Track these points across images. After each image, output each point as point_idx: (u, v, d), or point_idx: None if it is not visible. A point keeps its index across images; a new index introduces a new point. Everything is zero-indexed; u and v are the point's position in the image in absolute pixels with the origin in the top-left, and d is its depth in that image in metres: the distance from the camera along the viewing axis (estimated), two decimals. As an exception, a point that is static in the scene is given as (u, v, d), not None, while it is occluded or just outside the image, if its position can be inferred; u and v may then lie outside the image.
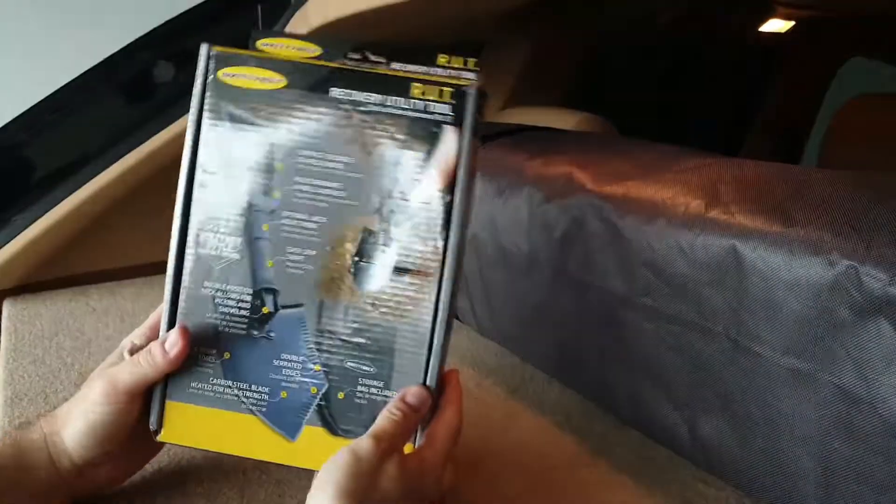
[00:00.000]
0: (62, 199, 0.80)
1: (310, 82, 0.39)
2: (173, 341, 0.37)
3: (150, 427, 0.39)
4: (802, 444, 0.38)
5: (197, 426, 0.39)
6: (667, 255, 0.44)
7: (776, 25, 1.33)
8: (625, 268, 0.47)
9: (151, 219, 0.87)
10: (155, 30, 0.83)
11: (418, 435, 0.38)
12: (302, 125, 0.38)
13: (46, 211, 0.80)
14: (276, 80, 0.39)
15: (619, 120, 0.97)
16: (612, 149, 0.58)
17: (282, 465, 0.39)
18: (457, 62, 0.39)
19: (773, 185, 0.42)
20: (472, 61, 0.39)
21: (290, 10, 0.81)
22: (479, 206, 0.61)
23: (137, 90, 0.82)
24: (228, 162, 0.38)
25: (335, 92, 0.38)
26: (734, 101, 1.80)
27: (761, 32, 1.36)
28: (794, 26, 1.34)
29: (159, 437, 0.39)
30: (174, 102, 0.83)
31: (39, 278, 0.83)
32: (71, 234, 0.82)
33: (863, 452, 0.35)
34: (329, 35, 0.39)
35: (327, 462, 0.33)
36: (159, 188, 0.86)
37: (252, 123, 0.38)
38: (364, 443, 0.34)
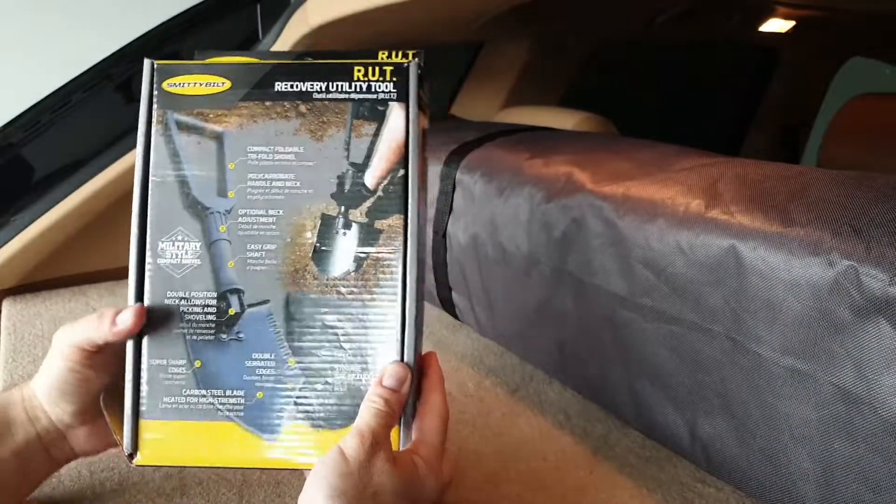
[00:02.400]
0: (62, 199, 0.80)
1: (253, 80, 0.39)
2: (125, 318, 0.37)
3: (125, 452, 0.37)
4: (802, 444, 0.38)
5: (174, 443, 0.37)
6: (667, 255, 0.44)
7: (776, 25, 1.33)
8: (625, 268, 0.47)
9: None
10: (154, 29, 0.83)
11: (402, 422, 0.37)
12: (249, 123, 0.39)
13: (46, 211, 0.80)
14: (220, 84, 0.40)
15: (619, 120, 0.97)
16: (612, 149, 0.58)
17: (269, 469, 0.38)
18: (396, 57, 0.40)
19: (773, 185, 0.42)
20: (410, 52, 0.40)
21: (289, 9, 0.81)
22: (480, 206, 0.61)
23: (137, 90, 0.82)
24: (180, 168, 0.39)
25: (279, 86, 0.39)
26: (734, 100, 1.80)
27: (761, 32, 1.36)
28: (794, 26, 1.34)
29: (136, 462, 0.37)
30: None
31: (39, 278, 0.83)
32: (71, 234, 0.82)
33: (862, 452, 0.35)
34: (234, 64, 0.40)
35: (317, 463, 0.33)
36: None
37: (200, 128, 0.39)
38: (350, 440, 0.34)
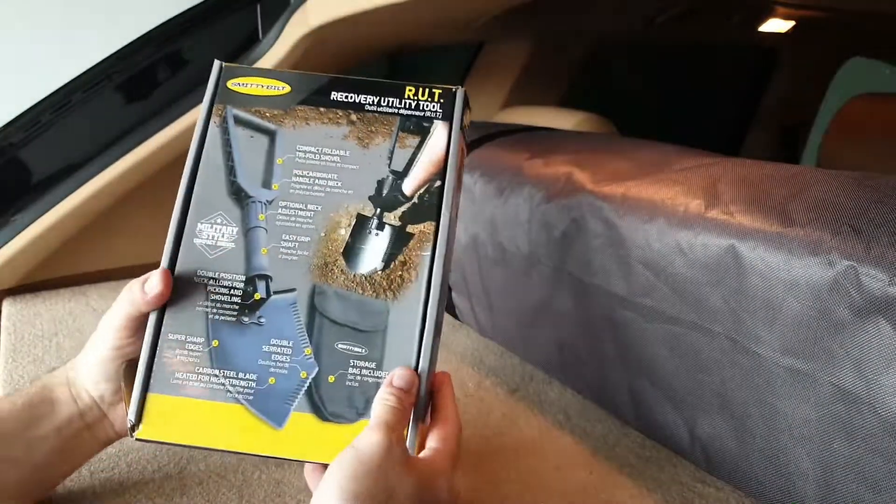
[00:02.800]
0: (62, 199, 0.80)
1: (312, 88, 0.43)
2: (153, 284, 0.38)
3: (128, 422, 0.37)
4: (802, 444, 0.38)
5: (178, 420, 0.37)
6: (666, 255, 0.44)
7: (776, 25, 1.33)
8: (624, 268, 0.47)
9: (151, 218, 0.87)
10: (154, 29, 0.83)
11: (412, 427, 0.37)
12: (302, 125, 0.42)
13: (46, 211, 0.80)
14: (280, 88, 0.43)
15: (619, 120, 0.97)
16: (612, 149, 0.58)
17: (269, 456, 0.37)
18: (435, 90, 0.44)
19: (773, 185, 0.42)
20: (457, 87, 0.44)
21: (289, 9, 0.81)
22: (480, 206, 0.61)
23: (137, 90, 0.82)
24: (230, 158, 0.41)
25: (335, 95, 0.43)
26: (734, 100, 1.80)
27: (761, 32, 1.36)
28: (794, 26, 1.34)
29: (137, 434, 0.37)
30: (174, 102, 0.84)
31: (39, 278, 0.83)
32: (71, 234, 0.82)
33: (862, 452, 0.35)
34: (297, 72, 0.43)
35: (332, 464, 0.33)
36: (159, 188, 0.86)
37: (256, 124, 0.42)
38: (366, 437, 0.33)
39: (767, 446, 0.40)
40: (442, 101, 0.42)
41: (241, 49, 0.86)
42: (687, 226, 0.43)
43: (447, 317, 0.76)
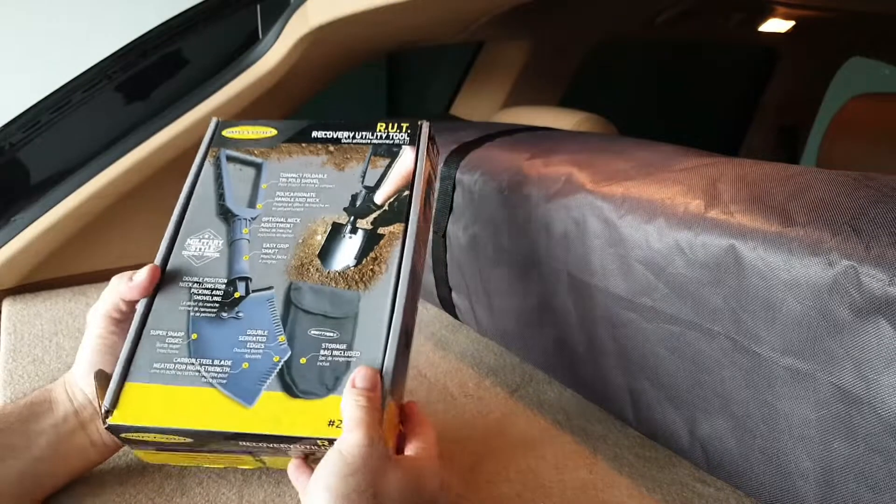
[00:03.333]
0: (62, 199, 0.80)
1: (296, 129, 0.50)
2: (140, 275, 0.42)
3: (103, 409, 0.38)
4: (802, 444, 0.38)
5: (151, 406, 0.38)
6: (666, 255, 0.44)
7: (776, 25, 1.33)
8: (624, 268, 0.47)
9: (150, 218, 0.87)
10: (154, 29, 0.83)
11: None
12: (285, 157, 0.48)
13: (46, 211, 0.80)
14: (268, 132, 0.49)
15: (619, 120, 0.97)
16: (612, 149, 0.58)
17: (239, 433, 0.37)
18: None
19: (773, 185, 0.42)
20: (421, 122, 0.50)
21: (289, 9, 0.81)
22: (480, 206, 0.61)
23: (137, 90, 0.82)
24: (220, 187, 0.47)
25: (315, 133, 0.49)
26: (734, 100, 1.80)
27: (761, 32, 1.36)
28: (793, 26, 1.34)
29: (110, 420, 0.38)
30: (174, 102, 0.84)
31: (39, 278, 0.83)
32: (71, 234, 0.82)
33: (862, 452, 0.35)
34: (283, 121, 0.50)
35: (318, 466, 0.34)
36: (159, 188, 0.86)
37: (244, 159, 0.48)
38: (347, 438, 0.34)
39: (767, 446, 0.40)
40: (409, 131, 0.49)
41: (241, 49, 0.86)
42: (687, 226, 0.43)
43: (447, 317, 0.76)
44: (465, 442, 0.53)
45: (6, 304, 0.80)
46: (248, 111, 0.86)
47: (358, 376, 0.37)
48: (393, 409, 0.39)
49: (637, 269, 0.46)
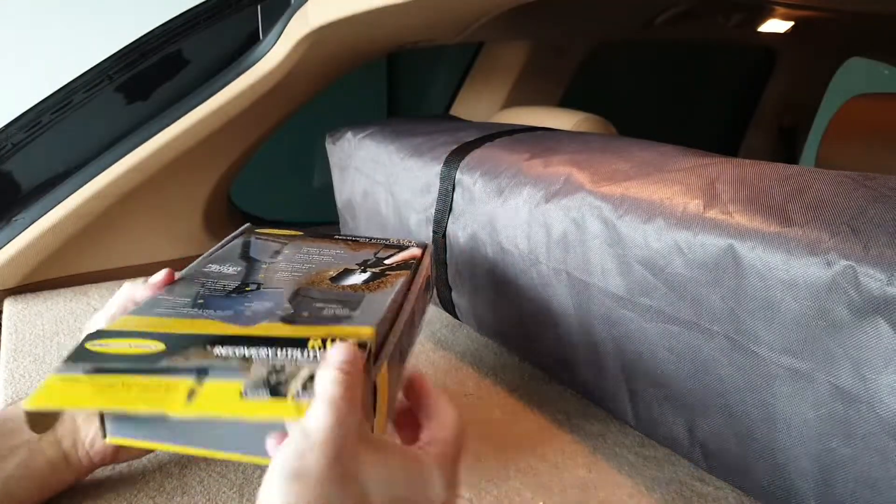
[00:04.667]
0: (63, 199, 0.80)
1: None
2: (156, 276, 0.44)
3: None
4: (800, 444, 0.38)
5: (129, 325, 0.37)
6: (665, 255, 0.44)
7: (775, 26, 1.33)
8: (623, 267, 0.47)
9: (151, 218, 0.88)
10: (155, 29, 0.83)
11: (376, 410, 0.35)
12: (307, 243, 0.54)
13: (47, 211, 0.80)
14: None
15: (618, 120, 0.97)
16: (611, 149, 0.58)
17: (222, 335, 0.36)
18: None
19: (772, 185, 0.42)
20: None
21: (290, 10, 0.81)
22: (479, 206, 0.62)
23: (137, 90, 0.83)
24: (245, 248, 0.53)
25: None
26: (733, 100, 1.80)
27: (760, 33, 1.36)
28: (792, 26, 1.34)
29: (24, 405, 0.32)
30: (174, 103, 0.84)
31: (40, 278, 0.84)
32: (72, 234, 0.83)
33: (860, 452, 0.35)
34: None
35: (282, 444, 0.30)
36: (160, 188, 0.86)
37: (269, 243, 0.54)
38: (311, 412, 0.30)
39: (766, 445, 0.40)
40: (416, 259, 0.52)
41: (242, 50, 0.86)
42: (686, 225, 0.43)
43: (447, 317, 0.76)
44: (465, 442, 0.53)
45: (7, 303, 0.80)
46: (249, 112, 0.86)
47: (329, 354, 0.33)
48: (384, 386, 0.36)
49: (636, 268, 0.46)
